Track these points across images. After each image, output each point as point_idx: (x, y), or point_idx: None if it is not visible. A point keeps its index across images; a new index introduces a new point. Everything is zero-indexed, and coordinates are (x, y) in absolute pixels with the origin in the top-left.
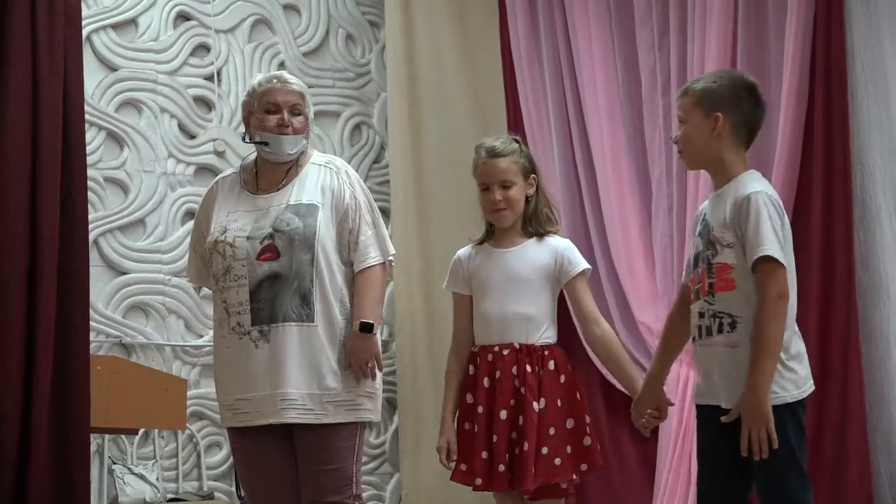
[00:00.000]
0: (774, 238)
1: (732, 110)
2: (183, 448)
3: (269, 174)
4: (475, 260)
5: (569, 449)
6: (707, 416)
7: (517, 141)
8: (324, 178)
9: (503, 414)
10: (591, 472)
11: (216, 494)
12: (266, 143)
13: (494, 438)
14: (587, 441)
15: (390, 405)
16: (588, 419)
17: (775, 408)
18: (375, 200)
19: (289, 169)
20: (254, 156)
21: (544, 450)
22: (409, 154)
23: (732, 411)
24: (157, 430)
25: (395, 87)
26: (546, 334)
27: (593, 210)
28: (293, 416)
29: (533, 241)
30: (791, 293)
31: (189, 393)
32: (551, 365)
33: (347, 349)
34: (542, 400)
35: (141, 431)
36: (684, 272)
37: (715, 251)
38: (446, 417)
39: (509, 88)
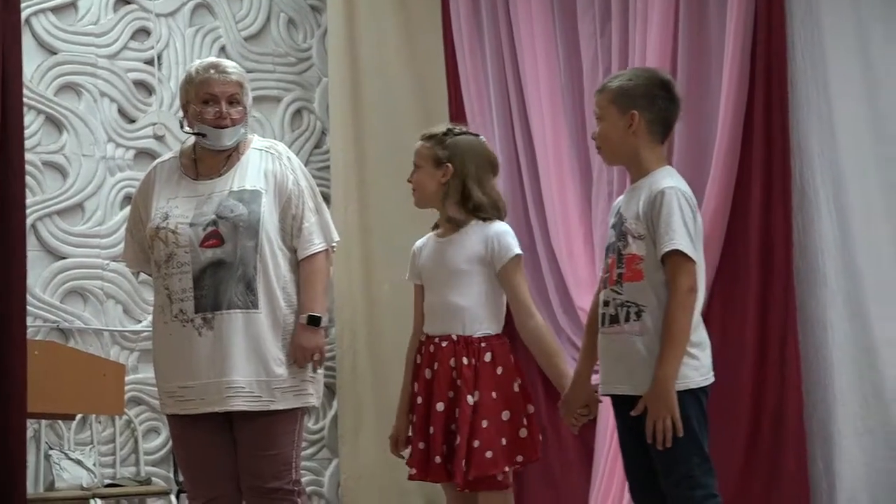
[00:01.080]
0: (685, 233)
1: (648, 108)
2: (121, 433)
3: (208, 160)
4: (424, 250)
5: (503, 441)
6: (616, 406)
7: (450, 131)
8: (266, 163)
9: (440, 406)
10: (528, 464)
11: (154, 480)
12: (204, 135)
13: (431, 430)
14: (523, 433)
15: (329, 391)
16: (532, 409)
17: (680, 393)
18: (317, 187)
19: (229, 155)
20: (192, 140)
21: (476, 443)
22: (350, 140)
23: (639, 404)
24: (94, 416)
25: (337, 72)
26: (485, 325)
27: (534, 197)
28: (240, 404)
29: (469, 227)
30: (699, 286)
31: (127, 378)
32: (487, 357)
33: (294, 341)
34: (477, 392)
35: (78, 417)
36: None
37: (626, 242)
38: (400, 406)
39: (451, 75)
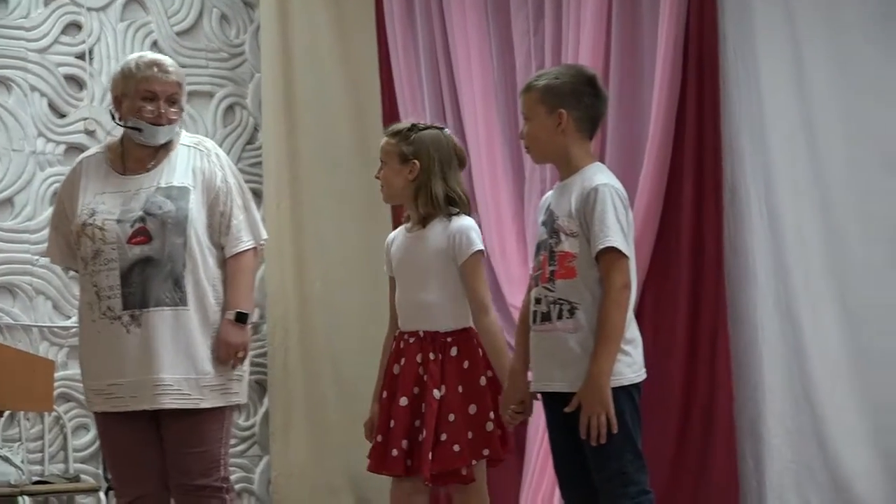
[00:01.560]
0: (619, 229)
1: (575, 105)
2: (49, 430)
3: (136, 155)
4: (395, 243)
5: (470, 435)
6: (548, 403)
7: (415, 127)
8: (194, 160)
9: (403, 401)
10: (497, 458)
11: (82, 477)
12: (140, 130)
13: (392, 423)
14: (490, 426)
15: (261, 388)
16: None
17: (613, 390)
18: (248, 182)
19: (157, 150)
20: (119, 135)
21: (443, 436)
22: (283, 136)
23: (574, 400)
24: (22, 412)
25: (270, 68)
26: (452, 320)
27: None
28: (169, 402)
29: (434, 223)
30: (633, 283)
31: (56, 374)
32: (454, 351)
33: (220, 337)
34: (443, 387)
35: (6, 413)
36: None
37: (558, 239)
38: (375, 394)
39: (384, 72)
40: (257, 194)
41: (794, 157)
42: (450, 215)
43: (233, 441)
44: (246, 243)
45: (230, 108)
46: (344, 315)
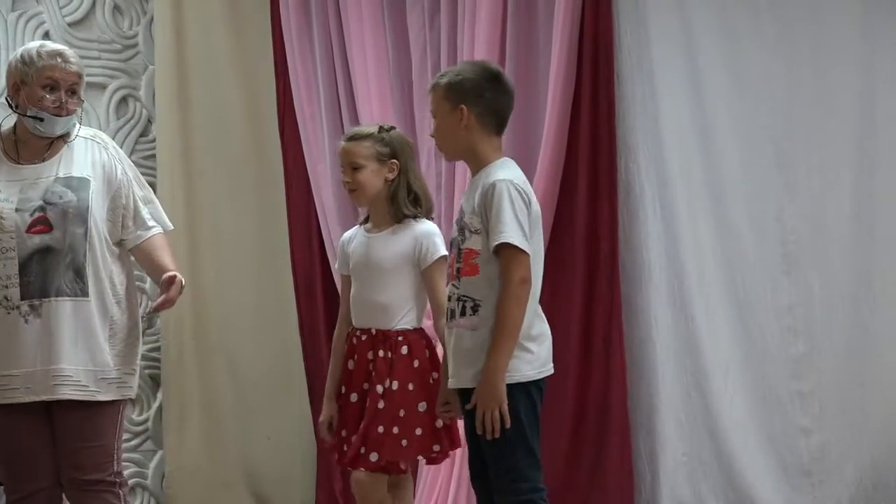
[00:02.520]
0: (515, 225)
1: (476, 101)
2: None
3: (31, 144)
4: (353, 242)
5: (419, 431)
6: (463, 399)
7: (383, 128)
8: (93, 152)
9: (353, 397)
10: (446, 454)
11: None
12: (41, 119)
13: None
14: (439, 423)
15: (154, 382)
16: None
17: (509, 386)
18: (142, 175)
19: (53, 140)
20: (11, 124)
21: (395, 429)
22: (177, 129)
23: (473, 396)
24: None
25: (163, 60)
26: (405, 320)
27: None
28: (68, 393)
29: (398, 225)
30: (536, 277)
31: None
32: (404, 350)
33: (172, 279)
34: (393, 382)
35: None
36: None
37: (464, 237)
38: (327, 392)
39: (280, 65)
40: (151, 187)
41: (687, 154)
42: (415, 217)
43: (126, 435)
44: (155, 229)
45: (123, 99)
46: (239, 309)
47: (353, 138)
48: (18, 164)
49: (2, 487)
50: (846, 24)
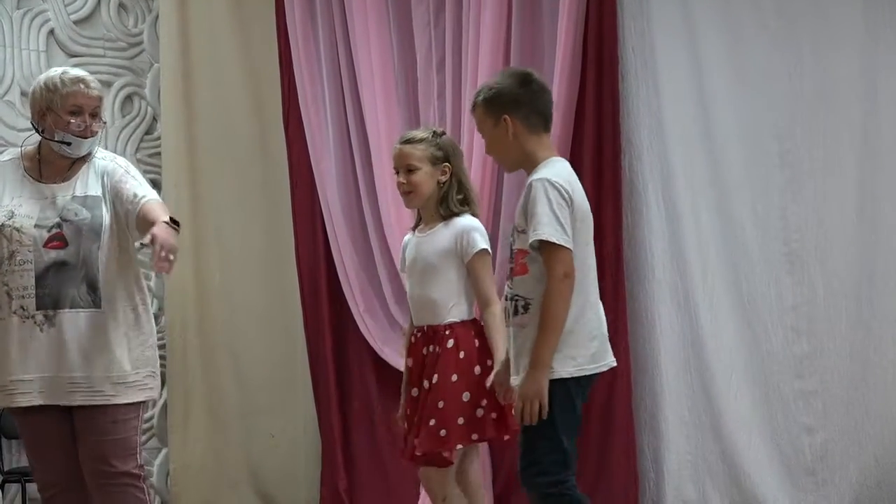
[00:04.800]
0: (552, 221)
1: (517, 108)
2: None
3: (54, 165)
4: (409, 245)
5: (461, 421)
6: None
7: (436, 133)
8: (104, 169)
9: (414, 391)
10: (482, 441)
11: None
12: (68, 144)
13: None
14: (479, 412)
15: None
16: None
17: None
18: (146, 173)
19: (74, 161)
20: (35, 143)
21: (432, 421)
22: (182, 126)
23: (516, 388)
24: None
25: (168, 58)
26: (453, 313)
27: (367, 185)
28: (81, 399)
29: (442, 224)
30: (587, 272)
31: None
32: (450, 343)
33: (154, 235)
34: (435, 376)
35: None
36: None
37: (514, 237)
38: (401, 389)
39: (284, 63)
40: (156, 185)
41: (691, 153)
42: (460, 214)
43: None
44: (145, 198)
45: (128, 97)
46: (243, 308)
47: (409, 141)
48: (40, 182)
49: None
50: (849, 20)
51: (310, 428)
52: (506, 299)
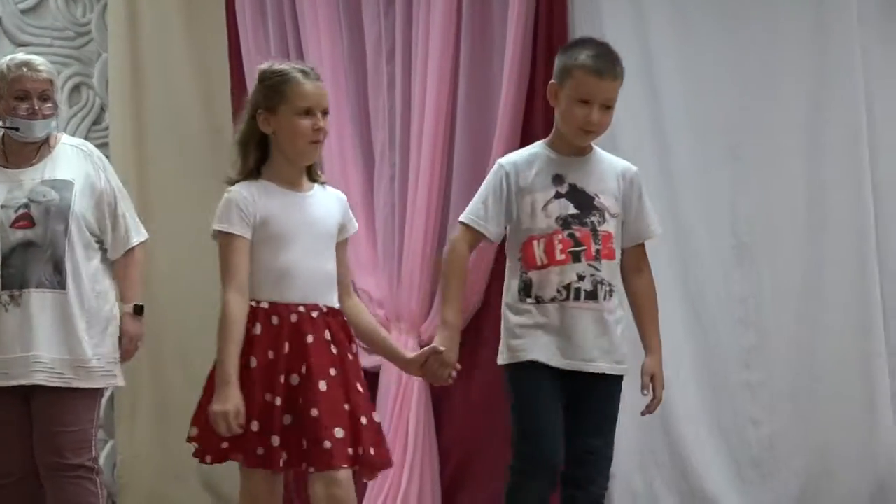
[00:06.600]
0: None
1: None
2: None
3: (18, 151)
4: None
5: None
6: (553, 375)
7: None
8: (77, 159)
9: None
10: None
11: None
12: (17, 129)
13: None
14: None
15: None
16: None
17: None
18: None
19: (39, 147)
20: (1, 132)
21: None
22: (130, 117)
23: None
24: None
25: (116, 48)
26: None
27: None
28: (43, 379)
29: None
30: None
31: None
32: None
33: (123, 329)
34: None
35: None
36: (491, 221)
37: (602, 219)
38: None
39: (234, 52)
40: None
41: (640, 146)
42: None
43: None
44: (134, 240)
45: (76, 87)
46: (191, 298)
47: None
48: (7, 167)
49: None
50: (798, 15)
51: None
52: (579, 278)
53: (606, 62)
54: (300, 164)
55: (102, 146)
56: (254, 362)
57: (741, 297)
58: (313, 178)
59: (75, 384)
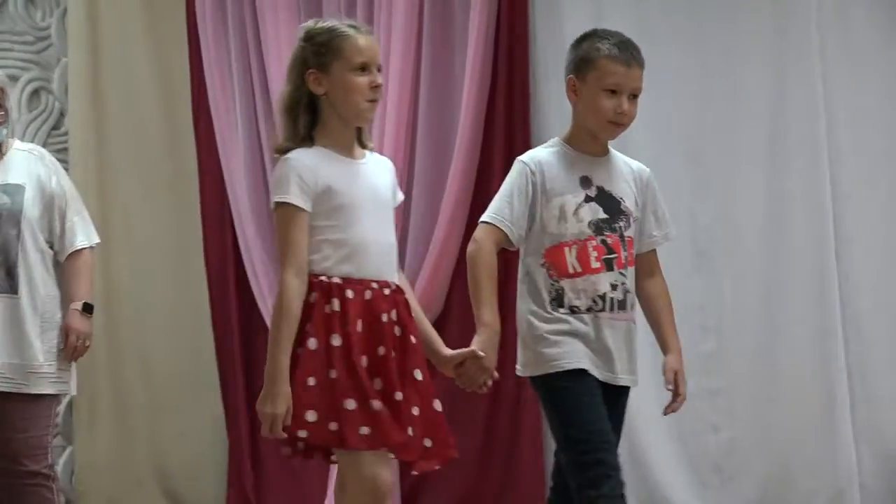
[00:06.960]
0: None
1: None
2: None
3: None
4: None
5: None
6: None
7: None
8: (29, 164)
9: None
10: None
11: None
12: None
13: None
14: None
15: None
16: None
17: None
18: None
19: None
20: None
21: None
22: (90, 122)
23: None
24: None
25: (76, 53)
26: None
27: None
28: None
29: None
30: None
31: None
32: None
33: (68, 324)
34: None
35: None
36: (517, 223)
37: (628, 223)
38: None
39: (194, 59)
40: None
41: None
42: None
43: None
44: (83, 242)
45: (35, 92)
46: (151, 306)
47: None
48: None
49: None
50: (757, 23)
51: (217, 426)
52: (612, 288)
53: (632, 50)
54: (357, 124)
55: (62, 152)
56: (336, 340)
57: (700, 304)
58: (363, 143)
59: (25, 390)
